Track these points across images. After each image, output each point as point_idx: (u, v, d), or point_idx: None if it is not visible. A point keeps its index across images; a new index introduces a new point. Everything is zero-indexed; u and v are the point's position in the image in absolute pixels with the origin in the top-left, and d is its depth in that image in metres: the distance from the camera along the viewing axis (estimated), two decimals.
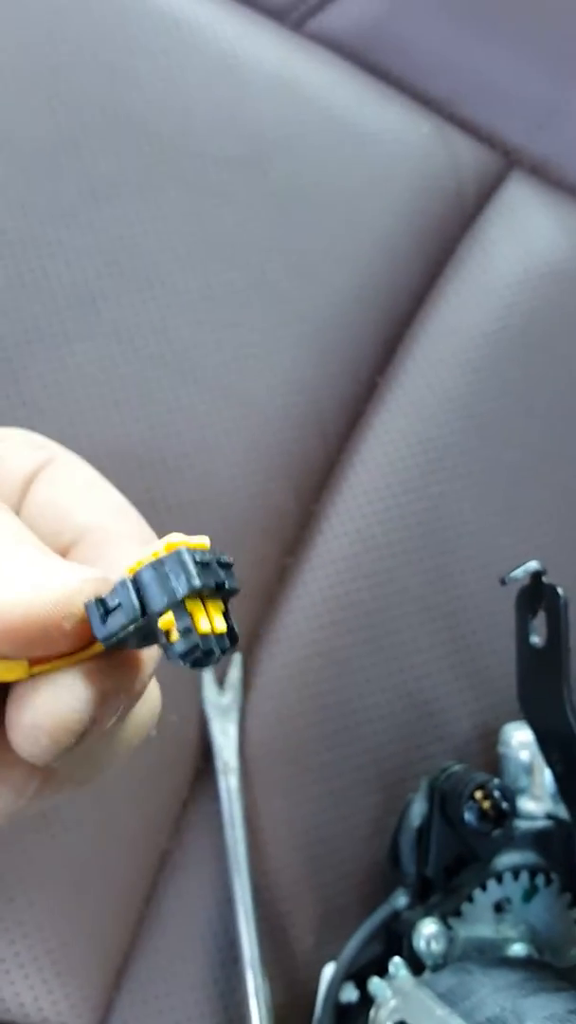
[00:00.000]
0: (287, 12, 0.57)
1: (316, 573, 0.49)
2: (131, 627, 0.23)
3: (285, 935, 0.45)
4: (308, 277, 0.53)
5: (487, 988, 0.37)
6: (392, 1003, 0.38)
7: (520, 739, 0.46)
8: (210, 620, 0.24)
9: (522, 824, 0.43)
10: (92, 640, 0.24)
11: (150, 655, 0.26)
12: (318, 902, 0.46)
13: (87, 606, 0.24)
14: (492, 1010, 0.36)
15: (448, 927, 0.41)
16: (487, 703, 0.49)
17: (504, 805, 0.42)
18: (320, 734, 0.47)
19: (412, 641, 0.49)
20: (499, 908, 0.42)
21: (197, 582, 0.23)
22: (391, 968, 0.40)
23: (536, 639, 0.41)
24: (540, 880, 0.42)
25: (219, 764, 0.46)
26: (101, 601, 0.24)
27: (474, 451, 0.52)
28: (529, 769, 0.45)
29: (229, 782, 0.45)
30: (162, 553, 0.24)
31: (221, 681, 0.47)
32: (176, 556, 0.24)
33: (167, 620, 0.23)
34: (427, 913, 0.42)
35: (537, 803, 0.44)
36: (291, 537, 0.50)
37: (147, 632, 0.24)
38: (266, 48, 0.56)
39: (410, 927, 0.41)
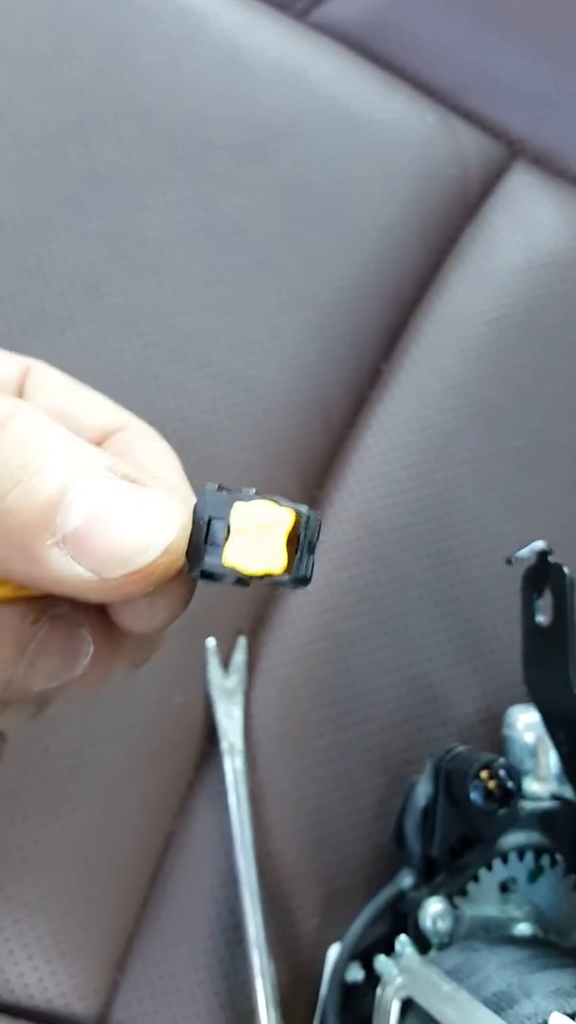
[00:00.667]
0: (292, 2, 0.57)
1: (320, 558, 0.49)
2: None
3: (290, 915, 0.45)
4: (313, 264, 0.53)
5: (493, 964, 0.37)
6: (399, 980, 0.38)
7: (525, 721, 0.46)
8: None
9: (527, 804, 0.43)
10: None
11: None
12: (323, 883, 0.46)
13: None
14: (499, 985, 0.36)
15: (454, 906, 0.41)
16: (491, 687, 0.49)
17: (509, 785, 0.42)
18: (325, 717, 0.47)
19: (416, 625, 0.49)
20: (504, 888, 0.42)
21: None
22: (397, 946, 0.40)
23: (542, 619, 0.41)
24: (545, 861, 0.42)
25: (224, 746, 0.46)
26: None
27: (478, 437, 0.52)
28: (534, 751, 0.45)
29: (234, 764, 0.45)
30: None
31: (226, 664, 0.47)
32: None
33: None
34: (433, 893, 0.42)
35: (542, 784, 0.44)
36: None
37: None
38: (271, 38, 0.56)
39: (416, 906, 0.41)
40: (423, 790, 0.43)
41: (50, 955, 0.43)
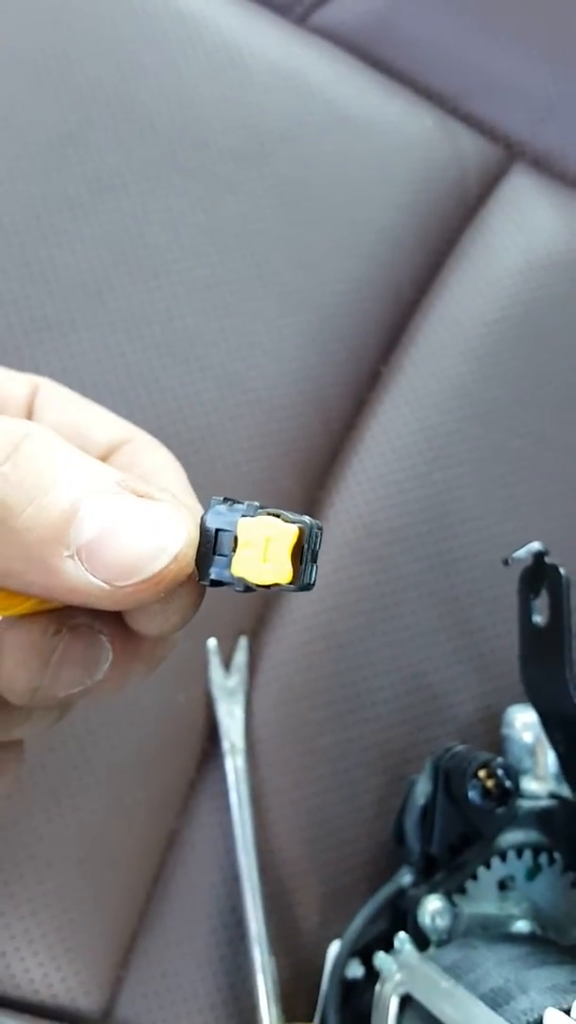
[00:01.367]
0: (291, 6, 0.58)
1: (320, 559, 0.50)
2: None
3: (291, 913, 0.46)
4: (312, 267, 0.53)
5: (491, 961, 0.38)
6: (397, 976, 0.39)
7: (523, 720, 0.46)
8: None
9: (525, 803, 0.43)
10: None
11: None
12: (323, 880, 0.46)
13: None
14: (496, 982, 0.37)
15: (453, 904, 0.42)
16: (490, 687, 0.50)
17: (507, 784, 0.42)
18: (325, 716, 0.48)
19: (415, 625, 0.50)
20: (503, 886, 0.43)
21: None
22: (396, 943, 0.41)
23: (538, 619, 0.42)
24: (543, 859, 0.43)
25: (226, 745, 0.46)
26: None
27: (477, 439, 0.52)
28: (532, 750, 0.46)
29: (236, 763, 0.46)
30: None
31: (227, 664, 0.48)
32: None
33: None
34: (432, 890, 0.42)
35: (540, 783, 0.45)
36: None
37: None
38: (270, 42, 0.56)
39: (415, 903, 0.41)
40: (422, 789, 0.43)
41: (55, 952, 0.44)
